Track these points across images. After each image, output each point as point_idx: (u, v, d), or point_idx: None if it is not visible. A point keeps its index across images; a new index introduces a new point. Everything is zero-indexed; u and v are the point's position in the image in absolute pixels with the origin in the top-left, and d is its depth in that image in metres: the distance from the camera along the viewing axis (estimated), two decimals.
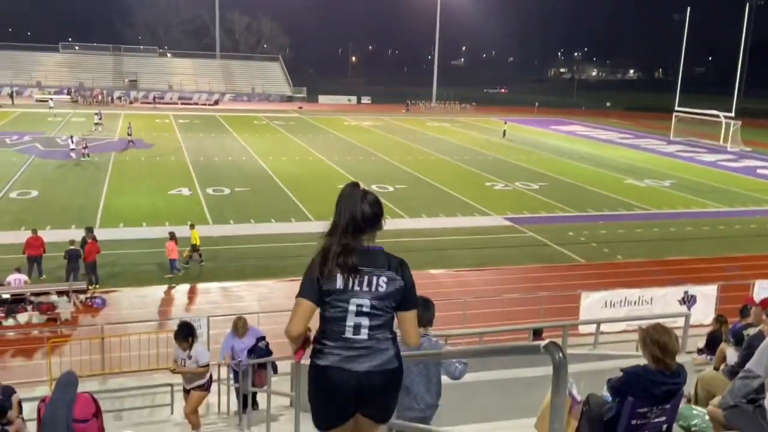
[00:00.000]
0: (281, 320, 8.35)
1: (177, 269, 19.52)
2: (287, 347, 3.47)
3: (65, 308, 16.63)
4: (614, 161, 44.13)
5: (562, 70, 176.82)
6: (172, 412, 11.01)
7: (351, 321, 3.10)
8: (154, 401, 11.65)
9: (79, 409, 6.30)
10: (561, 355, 2.19)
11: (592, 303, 15.55)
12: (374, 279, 3.13)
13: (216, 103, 71.07)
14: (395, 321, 3.24)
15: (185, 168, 35.24)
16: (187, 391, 8.99)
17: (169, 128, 50.13)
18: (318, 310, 3.19)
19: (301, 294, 3.17)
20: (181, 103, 69.11)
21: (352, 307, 3.10)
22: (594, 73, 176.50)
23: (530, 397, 5.71)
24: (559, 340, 7.79)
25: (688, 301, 15.97)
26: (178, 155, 38.86)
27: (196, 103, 70.10)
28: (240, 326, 10.29)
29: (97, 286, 18.41)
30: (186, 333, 8.55)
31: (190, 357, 8.52)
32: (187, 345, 8.52)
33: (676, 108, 57.34)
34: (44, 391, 10.85)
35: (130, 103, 67.20)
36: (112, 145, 40.81)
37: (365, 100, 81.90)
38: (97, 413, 6.61)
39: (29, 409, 9.64)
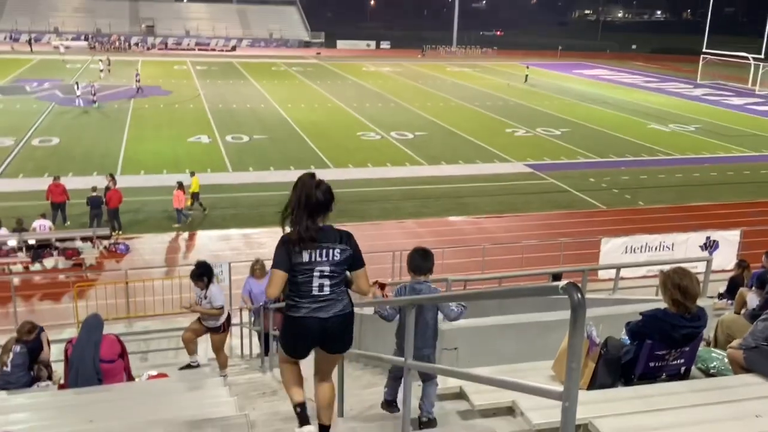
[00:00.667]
0: None
1: (185, 216, 19.64)
2: None
3: (90, 254, 16.94)
4: (638, 105, 43.24)
5: (586, 11, 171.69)
6: (195, 352, 11.25)
7: (316, 283, 4.06)
8: (179, 344, 11.87)
9: (105, 350, 6.48)
10: (579, 295, 2.17)
11: (612, 248, 15.48)
12: (330, 251, 4.08)
13: (233, 49, 70.34)
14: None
15: (204, 115, 35.18)
16: (207, 331, 8.94)
17: (186, 75, 49.87)
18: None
19: (276, 266, 4.04)
20: (198, 49, 68.53)
21: (316, 273, 4.05)
22: (620, 15, 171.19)
23: (548, 341, 5.74)
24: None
25: (710, 246, 15.83)
26: (196, 102, 38.75)
27: (213, 49, 69.47)
28: (257, 269, 10.13)
29: (120, 232, 18.68)
30: (200, 272, 8.35)
31: (205, 297, 8.37)
32: (203, 285, 8.34)
33: (704, 50, 55.69)
34: (72, 333, 11.14)
35: (147, 49, 66.78)
36: (131, 92, 40.73)
37: (384, 45, 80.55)
38: (123, 354, 6.79)
39: (57, 351, 9.95)
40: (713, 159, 29.74)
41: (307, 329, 4.12)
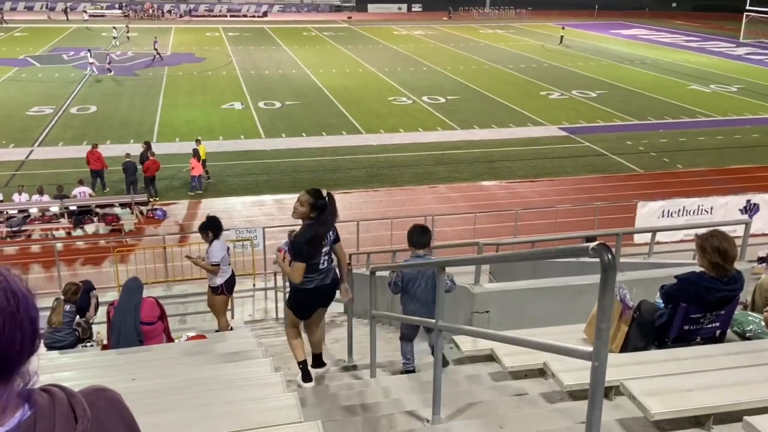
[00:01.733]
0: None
1: (198, 187, 19.76)
2: None
3: (128, 220, 17.33)
4: (678, 66, 42.00)
5: None
6: (232, 317, 11.53)
7: (321, 259, 5.50)
8: None
9: (145, 312, 6.67)
10: (610, 256, 2.16)
11: (649, 212, 15.23)
12: (330, 236, 5.57)
13: (265, 14, 70.01)
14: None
15: (237, 82, 35.29)
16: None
17: (219, 42, 49.92)
18: None
19: (299, 259, 5.37)
20: (230, 16, 68.41)
21: (323, 258, 5.50)
22: None
23: (580, 304, 5.73)
24: (613, 250, 7.72)
25: (751, 209, 15.46)
26: (229, 69, 38.86)
27: (245, 15, 69.25)
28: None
29: (157, 198, 19.03)
30: (205, 225, 8.26)
31: (207, 254, 8.23)
32: (206, 238, 8.22)
33: (748, 7, 53.55)
34: (113, 296, 11.48)
35: (180, 16, 66.93)
36: (165, 59, 40.99)
37: (416, 7, 79.27)
38: (162, 316, 6.99)
39: (100, 313, 10.27)
40: (755, 120, 28.85)
41: (316, 296, 5.55)
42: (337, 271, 5.77)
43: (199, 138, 21.60)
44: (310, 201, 5.48)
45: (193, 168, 19.60)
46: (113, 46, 44.61)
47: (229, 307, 10.82)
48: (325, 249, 5.44)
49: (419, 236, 5.81)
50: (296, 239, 5.38)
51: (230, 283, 8.58)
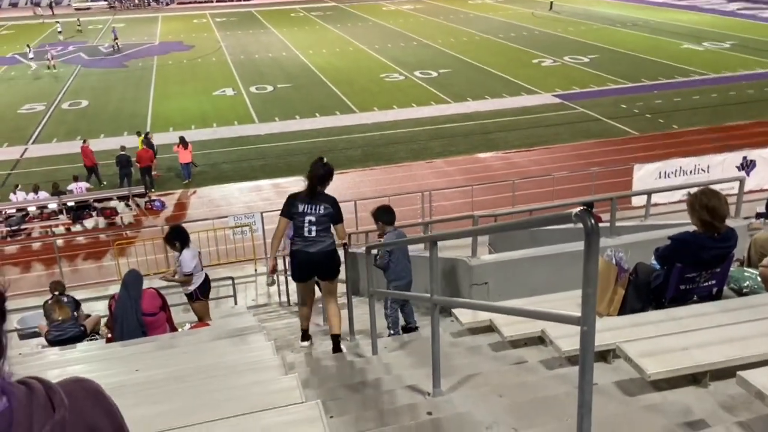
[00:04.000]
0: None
1: (186, 176, 19.67)
2: None
3: (127, 212, 17.33)
4: (670, 26, 41.66)
5: None
6: (235, 303, 11.59)
7: (305, 227, 5.99)
8: (219, 293, 12.25)
9: (147, 303, 6.71)
10: (593, 221, 2.16)
11: (646, 175, 15.21)
12: (319, 207, 6.00)
13: None
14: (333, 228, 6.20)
15: (227, 68, 35.07)
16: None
17: (207, 28, 49.51)
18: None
19: (281, 214, 6.11)
20: (217, 1, 67.75)
21: (306, 221, 5.99)
22: None
23: (577, 270, 5.74)
24: (609, 214, 7.73)
25: (747, 166, 15.44)
26: (218, 55, 38.58)
27: (231, 0, 68.59)
28: None
29: (153, 189, 19.01)
30: (169, 236, 8.18)
31: (178, 264, 8.19)
32: (175, 248, 8.16)
33: None
34: (116, 289, 11.53)
35: (166, 5, 66.26)
36: (153, 49, 40.70)
37: None
38: (164, 306, 7.03)
39: (104, 307, 10.32)
40: (750, 76, 28.69)
41: (300, 259, 6.12)
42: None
43: (143, 131, 21.29)
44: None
45: (179, 155, 19.49)
46: (59, 39, 44.19)
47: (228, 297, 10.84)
48: (311, 218, 5.99)
49: (389, 216, 6.80)
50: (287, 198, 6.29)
51: (204, 287, 8.46)
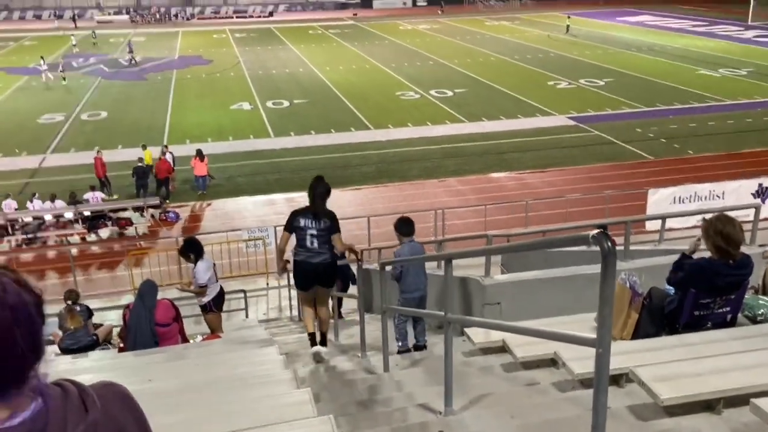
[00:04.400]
0: (346, 228, 8.57)
1: (202, 187, 19.78)
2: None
3: (142, 223, 17.47)
4: (686, 51, 41.66)
5: None
6: (247, 316, 11.62)
7: (308, 240, 6.47)
8: (230, 306, 12.29)
9: (161, 314, 6.76)
10: (609, 243, 2.19)
11: (660, 199, 15.16)
12: (320, 221, 6.46)
13: (271, 14, 70.11)
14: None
15: (245, 82, 35.42)
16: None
17: (226, 43, 50.09)
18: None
19: (285, 229, 6.63)
20: (237, 17, 68.57)
21: (308, 234, 6.47)
22: None
23: (593, 293, 5.73)
24: (622, 238, 7.71)
25: (763, 193, 15.35)
26: (236, 70, 39.00)
27: (251, 16, 69.39)
28: None
29: (168, 201, 19.16)
30: (184, 249, 8.28)
31: (193, 275, 8.30)
32: (189, 260, 8.25)
33: None
34: (129, 299, 11.61)
35: (187, 19, 67.18)
36: (173, 63, 41.21)
37: (421, 2, 79.03)
38: (177, 318, 7.08)
39: (117, 316, 10.40)
40: (767, 103, 28.59)
41: (304, 269, 6.59)
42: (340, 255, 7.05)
43: (145, 144, 21.43)
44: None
45: (194, 168, 19.69)
46: (73, 52, 44.57)
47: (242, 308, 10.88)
48: (312, 232, 6.48)
49: (409, 227, 7.14)
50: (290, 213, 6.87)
51: (218, 299, 8.54)
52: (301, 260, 6.53)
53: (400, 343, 7.02)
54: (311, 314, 6.87)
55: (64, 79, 35.53)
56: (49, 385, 1.21)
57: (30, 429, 1.15)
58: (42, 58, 36.64)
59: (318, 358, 6.38)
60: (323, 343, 6.88)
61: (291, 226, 6.52)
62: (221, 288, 8.61)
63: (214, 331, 8.35)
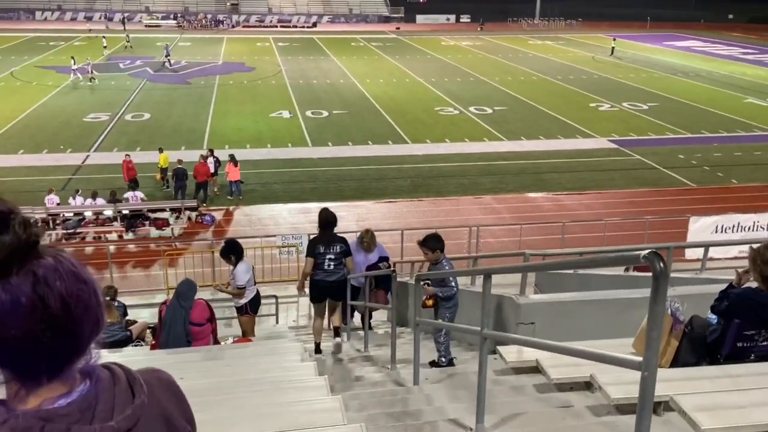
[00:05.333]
0: (380, 239, 8.59)
1: (237, 192, 19.95)
2: None
3: (178, 224, 17.73)
4: (734, 79, 40.89)
5: None
6: (277, 322, 11.67)
7: (326, 263, 7.61)
8: (261, 311, 12.34)
9: (197, 314, 6.82)
10: (662, 264, 2.13)
11: (702, 228, 14.83)
12: (335, 247, 7.64)
13: (314, 25, 71.01)
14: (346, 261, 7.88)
15: (285, 91, 35.84)
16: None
17: (269, 51, 50.83)
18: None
19: (308, 255, 7.72)
20: (281, 26, 69.59)
21: (326, 258, 7.60)
22: None
23: (629, 318, 5.61)
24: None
25: None
26: (278, 78, 39.51)
27: (295, 26, 70.36)
28: (366, 240, 9.06)
29: (205, 204, 19.42)
30: (225, 250, 8.37)
31: (232, 276, 8.40)
32: (230, 262, 8.36)
33: None
34: (163, 298, 11.74)
35: (232, 27, 68.40)
36: (216, 68, 41.94)
37: (464, 18, 79.25)
38: (212, 318, 7.14)
39: (149, 314, 10.53)
40: None
41: (320, 286, 7.78)
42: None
43: (162, 147, 21.72)
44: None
45: (228, 173, 19.91)
46: (103, 54, 45.43)
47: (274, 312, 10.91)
48: (330, 256, 7.64)
49: (435, 243, 6.86)
50: (309, 241, 8.07)
51: (254, 302, 8.66)
52: (319, 279, 7.72)
53: (444, 359, 6.78)
54: (320, 326, 7.99)
55: (92, 80, 36.41)
56: (98, 366, 1.22)
57: (79, 410, 1.15)
58: (72, 58, 37.72)
59: (336, 350, 7.56)
60: (336, 334, 7.97)
61: (313, 252, 7.64)
62: (258, 292, 8.71)
63: (246, 333, 8.43)
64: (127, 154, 20.68)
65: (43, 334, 1.11)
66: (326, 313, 8.30)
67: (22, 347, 1.11)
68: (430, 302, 6.48)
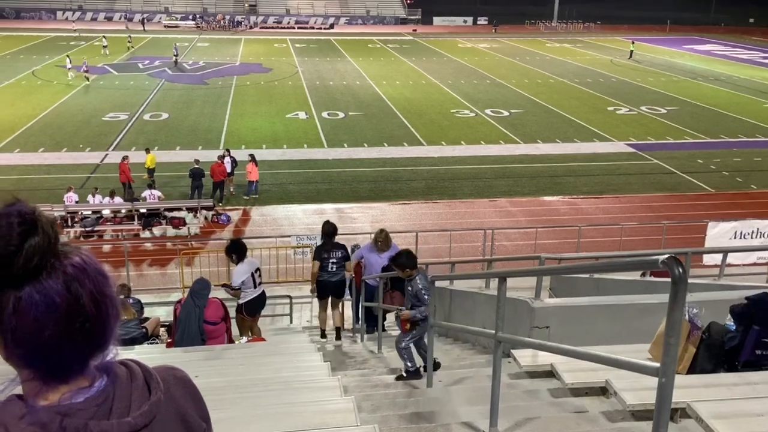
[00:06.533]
0: (394, 241, 8.53)
1: (255, 192, 20.03)
2: None
3: (194, 224, 17.84)
4: (754, 83, 40.44)
5: None
6: (291, 322, 11.69)
7: (329, 265, 9.17)
8: (275, 311, 12.40)
9: (210, 313, 6.85)
10: (681, 269, 2.10)
11: (720, 233, 14.67)
12: (337, 252, 9.24)
13: (331, 26, 71.19)
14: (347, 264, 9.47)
15: (302, 92, 35.95)
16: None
17: (286, 52, 51.02)
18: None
19: (314, 258, 9.27)
20: (298, 27, 69.85)
21: (330, 262, 9.16)
22: None
23: (645, 324, 5.57)
24: None
25: None
26: (294, 79, 39.64)
27: (312, 27, 70.58)
28: (380, 240, 9.20)
29: (221, 204, 19.52)
30: (228, 249, 8.45)
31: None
32: (233, 261, 8.41)
33: None
34: (178, 296, 11.81)
35: (250, 28, 68.74)
36: (233, 69, 42.19)
37: (481, 20, 79.08)
38: (226, 317, 7.17)
39: (165, 312, 10.60)
40: None
41: (325, 285, 9.31)
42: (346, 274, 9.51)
43: (149, 148, 21.69)
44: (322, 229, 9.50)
45: (249, 173, 19.97)
46: (104, 55, 45.49)
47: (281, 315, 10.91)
48: (333, 260, 9.18)
49: (406, 260, 6.30)
50: (315, 248, 9.54)
51: (251, 305, 8.54)
52: (323, 280, 9.25)
53: (409, 364, 6.25)
54: (325, 316, 9.72)
55: (88, 78, 36.59)
56: (115, 362, 1.23)
57: (96, 405, 1.16)
58: (68, 56, 38.06)
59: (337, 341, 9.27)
60: (338, 336, 9.58)
61: (319, 257, 9.18)
62: (260, 295, 8.63)
63: (241, 331, 8.47)
64: (124, 157, 20.21)
65: (76, 333, 1.12)
66: (329, 306, 9.76)
67: (55, 348, 1.12)
68: (407, 327, 6.23)
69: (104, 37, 48.98)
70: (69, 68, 36.97)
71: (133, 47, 49.26)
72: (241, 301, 8.52)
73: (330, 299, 9.57)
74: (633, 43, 52.70)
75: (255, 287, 8.60)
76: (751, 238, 14.67)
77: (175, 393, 1.29)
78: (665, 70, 44.89)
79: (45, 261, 1.11)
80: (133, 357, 1.38)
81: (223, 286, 9.15)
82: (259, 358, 6.22)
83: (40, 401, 1.14)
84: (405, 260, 6.28)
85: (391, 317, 10.66)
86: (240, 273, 8.33)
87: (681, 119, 30.62)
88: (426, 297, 6.03)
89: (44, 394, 1.15)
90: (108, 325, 1.17)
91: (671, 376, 2.19)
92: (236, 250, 8.35)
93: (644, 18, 78.05)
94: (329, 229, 9.25)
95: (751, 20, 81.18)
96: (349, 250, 10.42)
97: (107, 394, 1.19)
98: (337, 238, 9.51)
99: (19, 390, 1.17)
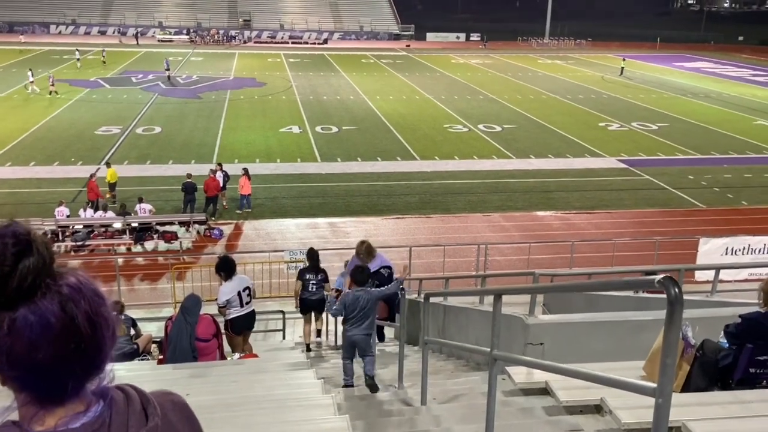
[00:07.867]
0: (388, 256, 8.53)
1: (247, 206, 20.04)
2: None
3: (187, 238, 17.76)
4: (744, 100, 40.83)
5: (689, 0, 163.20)
6: (284, 338, 11.62)
7: (310, 285, 10.38)
8: (268, 326, 12.33)
9: (202, 329, 6.80)
10: (677, 289, 2.10)
11: (712, 249, 14.74)
12: (319, 275, 10.44)
13: (325, 41, 71.54)
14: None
15: (295, 106, 36.03)
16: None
17: (280, 67, 51.19)
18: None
19: (298, 278, 10.60)
20: (292, 42, 70.14)
21: (310, 282, 10.36)
22: (726, 5, 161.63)
23: (639, 340, 5.56)
24: None
25: None
26: (288, 94, 39.74)
27: (306, 42, 70.89)
28: (362, 251, 9.11)
29: (214, 218, 19.46)
30: (218, 267, 8.35)
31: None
32: (221, 279, 8.34)
33: None
34: (170, 312, 11.73)
35: (244, 42, 68.96)
36: (227, 83, 42.26)
37: (474, 37, 79.66)
38: (218, 334, 7.11)
39: (156, 328, 10.52)
40: None
41: (306, 303, 10.40)
42: (326, 293, 10.36)
43: (110, 162, 21.76)
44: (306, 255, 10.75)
45: (242, 187, 19.94)
46: (77, 68, 45.28)
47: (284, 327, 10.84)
48: (313, 282, 10.27)
49: (359, 276, 7.26)
50: (299, 270, 10.77)
51: (237, 323, 8.42)
52: (305, 298, 10.38)
53: (347, 377, 6.92)
54: (308, 330, 10.64)
55: (56, 93, 36.13)
56: (112, 387, 1.21)
57: (92, 431, 1.15)
58: (30, 70, 37.47)
59: (317, 346, 10.55)
60: (318, 335, 10.98)
61: (302, 278, 10.36)
62: (248, 314, 8.50)
63: (236, 348, 8.35)
64: (92, 175, 20.09)
65: (72, 355, 1.11)
66: (312, 320, 10.79)
67: (50, 369, 1.11)
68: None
69: (77, 50, 48.69)
70: (30, 82, 36.45)
71: (105, 63, 48.48)
72: (226, 318, 8.40)
73: (312, 314, 10.71)
74: (624, 60, 53.21)
75: (241, 306, 8.42)
76: (743, 254, 14.74)
77: (172, 419, 1.28)
78: (656, 87, 45.28)
79: (40, 281, 1.10)
80: (123, 373, 1.37)
81: (216, 300, 9.07)
82: (252, 375, 6.18)
83: (36, 426, 1.13)
84: (356, 275, 7.32)
85: (389, 332, 10.66)
86: (225, 293, 8.22)
87: (672, 135, 30.85)
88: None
89: (41, 418, 1.14)
90: (104, 345, 1.16)
91: (668, 397, 2.18)
92: (225, 268, 8.25)
93: (635, 35, 78.84)
94: (314, 255, 10.65)
95: (740, 38, 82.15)
96: (344, 264, 10.64)
97: (103, 419, 1.17)
98: (331, 252, 11.09)
99: (15, 416, 1.15)
